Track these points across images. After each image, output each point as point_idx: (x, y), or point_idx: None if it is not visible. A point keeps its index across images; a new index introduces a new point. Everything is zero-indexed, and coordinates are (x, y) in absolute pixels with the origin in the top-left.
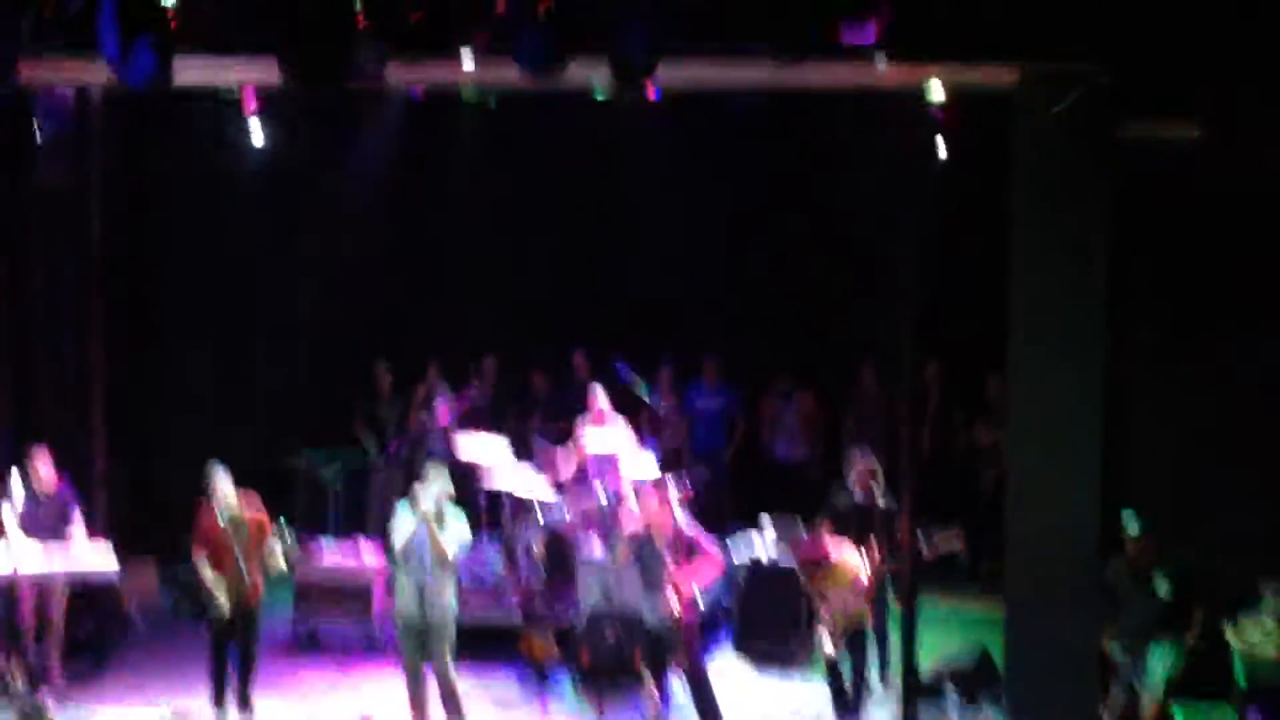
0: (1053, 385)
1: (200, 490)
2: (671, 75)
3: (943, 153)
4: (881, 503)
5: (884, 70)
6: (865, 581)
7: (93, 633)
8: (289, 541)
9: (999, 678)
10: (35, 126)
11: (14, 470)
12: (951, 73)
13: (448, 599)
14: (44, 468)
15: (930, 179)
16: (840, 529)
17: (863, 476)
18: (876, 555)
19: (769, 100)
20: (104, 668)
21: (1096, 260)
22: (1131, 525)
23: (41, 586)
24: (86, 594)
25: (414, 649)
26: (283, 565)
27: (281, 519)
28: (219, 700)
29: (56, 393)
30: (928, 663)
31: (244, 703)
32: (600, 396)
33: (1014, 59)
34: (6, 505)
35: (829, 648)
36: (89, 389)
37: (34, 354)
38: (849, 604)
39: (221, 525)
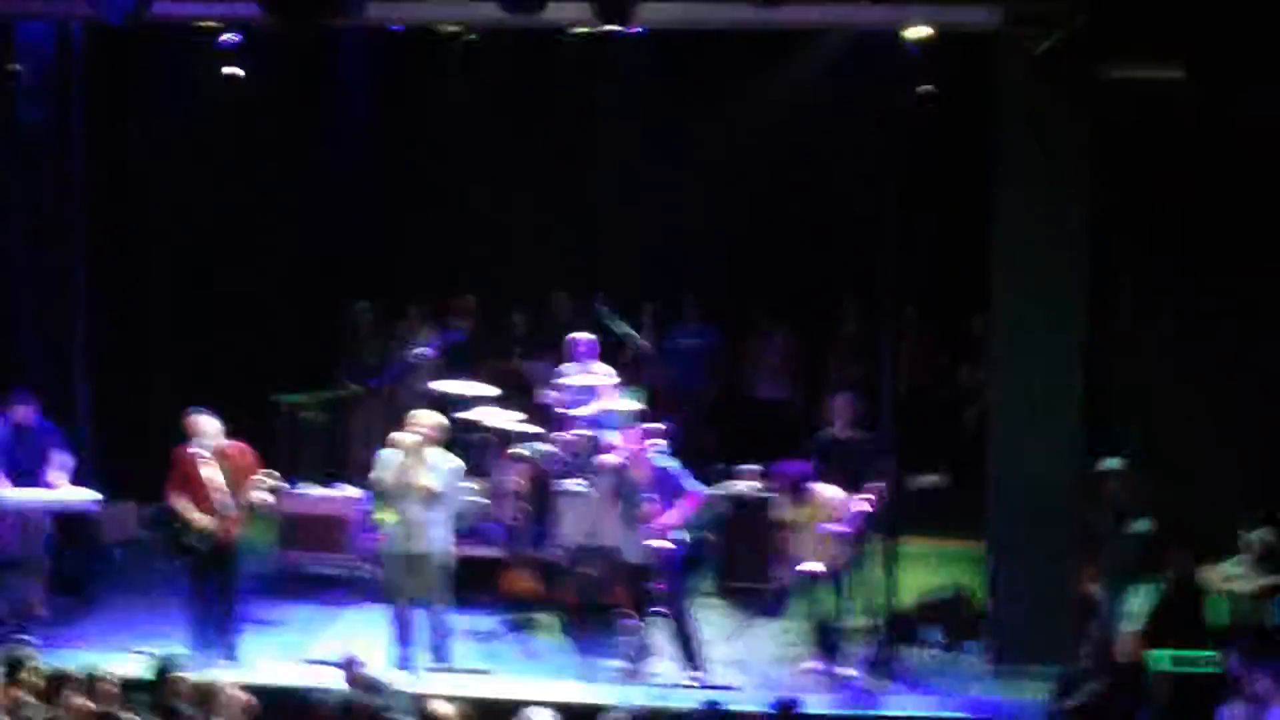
0: (1034, 324)
1: (179, 432)
2: (653, 12)
3: (925, 90)
4: (863, 441)
5: (865, 9)
6: (843, 519)
7: (76, 567)
8: (274, 478)
9: (979, 616)
10: (14, 62)
11: None
12: (933, 12)
13: (436, 535)
14: (25, 406)
15: (909, 118)
16: (822, 467)
17: (844, 414)
18: (861, 497)
19: (750, 38)
20: (88, 604)
21: (1079, 200)
22: (1111, 466)
23: (23, 520)
24: (68, 529)
25: (401, 587)
26: (267, 498)
27: (270, 466)
28: (203, 641)
29: (39, 332)
30: (908, 601)
31: (226, 643)
32: (581, 335)
33: None
34: None
35: (809, 568)
36: (71, 329)
37: (16, 293)
38: (827, 539)
39: (201, 460)
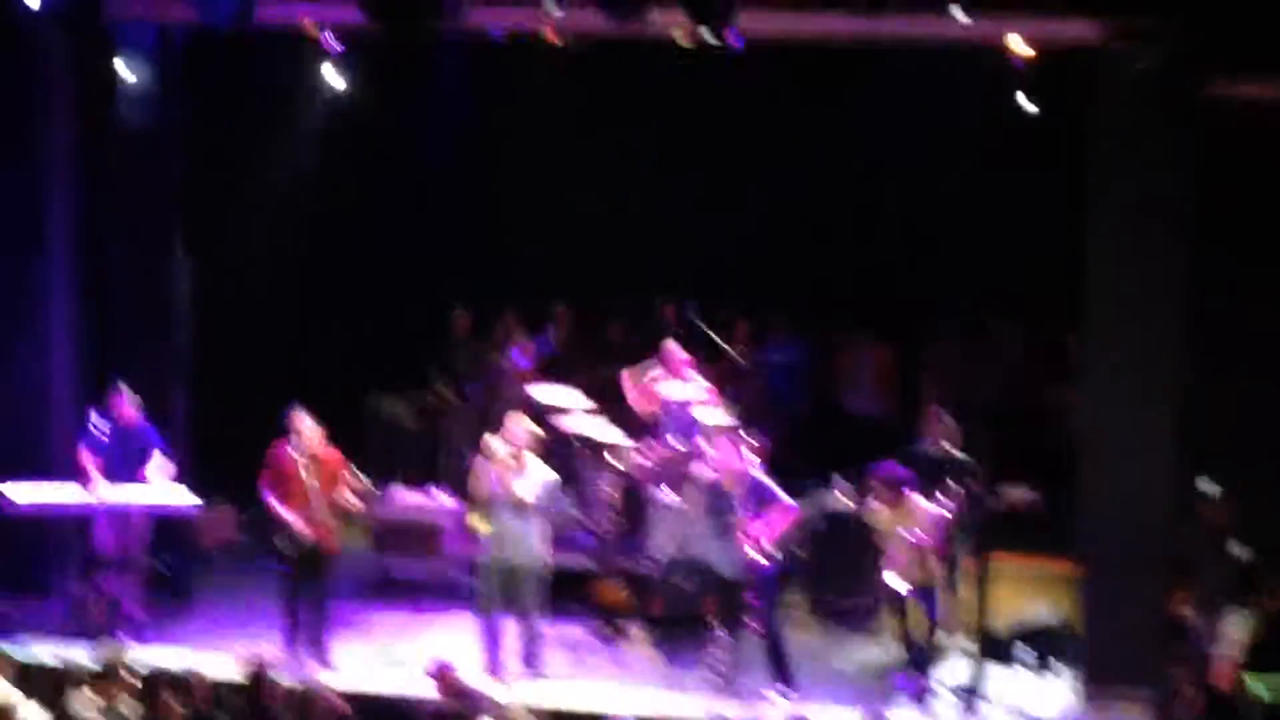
0: (1130, 343)
1: (276, 433)
2: (753, 25)
3: (1027, 107)
4: (956, 457)
5: (965, 23)
6: (934, 532)
7: (172, 567)
8: (364, 483)
9: (1073, 638)
10: (118, 67)
11: (95, 410)
12: (1032, 27)
13: (531, 545)
14: (125, 406)
15: (1008, 134)
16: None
17: (937, 431)
18: (950, 509)
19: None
20: (184, 604)
21: (1177, 217)
22: (1208, 487)
23: (122, 520)
24: (166, 529)
25: (494, 594)
26: (357, 504)
27: (364, 471)
28: (293, 643)
29: (138, 336)
30: (1000, 621)
31: (318, 646)
32: (676, 348)
33: (1097, 14)
34: (89, 452)
35: (899, 584)
36: (170, 333)
37: (116, 296)
38: (918, 551)
39: (297, 464)
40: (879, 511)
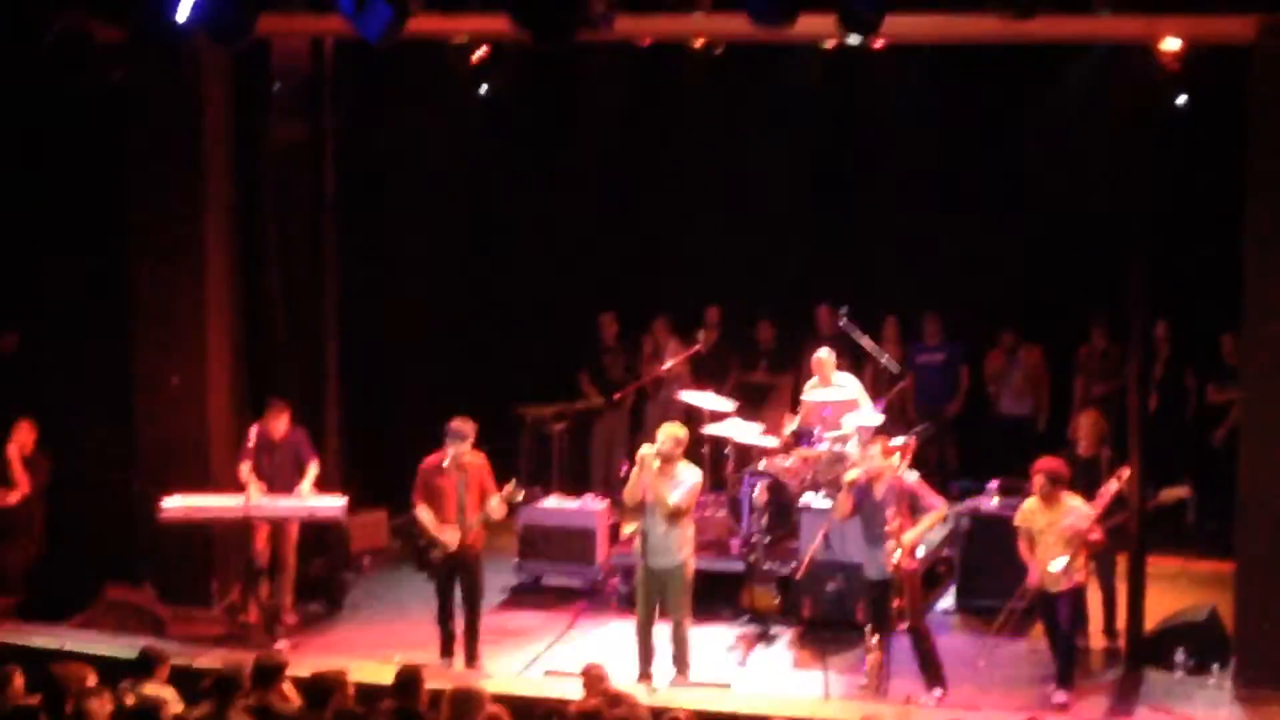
0: None
1: (428, 442)
2: (899, 27)
3: (1180, 102)
4: (1108, 459)
5: (1115, 20)
6: (1085, 533)
7: (325, 573)
8: (514, 488)
9: (1228, 639)
10: (272, 79)
11: (253, 425)
12: (1186, 24)
13: (679, 550)
14: (279, 419)
15: (1162, 131)
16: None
17: (1089, 432)
18: (1100, 508)
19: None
20: (336, 610)
21: None
22: None
23: (274, 526)
24: (318, 536)
25: (645, 598)
26: (502, 512)
27: (514, 479)
28: (447, 650)
29: (292, 347)
30: (1155, 623)
31: (471, 652)
32: (825, 351)
33: (1251, 9)
34: (246, 462)
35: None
36: (323, 339)
37: (270, 309)
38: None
39: (445, 471)
40: (1033, 509)
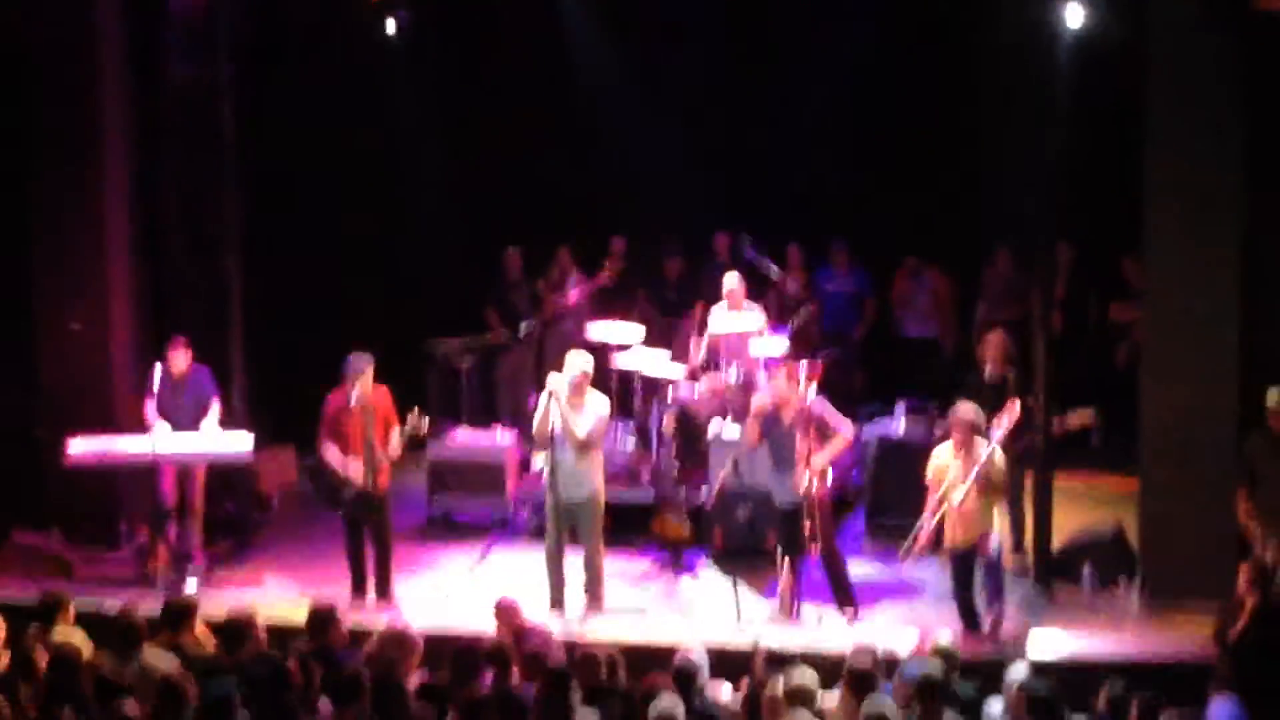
0: (1190, 261)
1: (332, 379)
2: None
3: (1075, 24)
4: (1012, 377)
5: None
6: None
7: (233, 513)
8: (423, 422)
9: (1134, 555)
10: (165, 20)
11: (153, 363)
12: None
13: (589, 480)
14: (181, 357)
15: (1062, 54)
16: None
17: (995, 354)
18: (1000, 437)
19: None
20: (245, 550)
21: (1233, 134)
22: (1273, 398)
23: (181, 468)
24: (225, 476)
25: (555, 529)
26: (398, 449)
27: (416, 408)
28: (359, 587)
29: (192, 282)
30: (1061, 540)
31: (383, 588)
32: (734, 279)
33: None
34: (150, 401)
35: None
36: (224, 277)
37: (171, 247)
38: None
39: (350, 409)
40: (947, 460)
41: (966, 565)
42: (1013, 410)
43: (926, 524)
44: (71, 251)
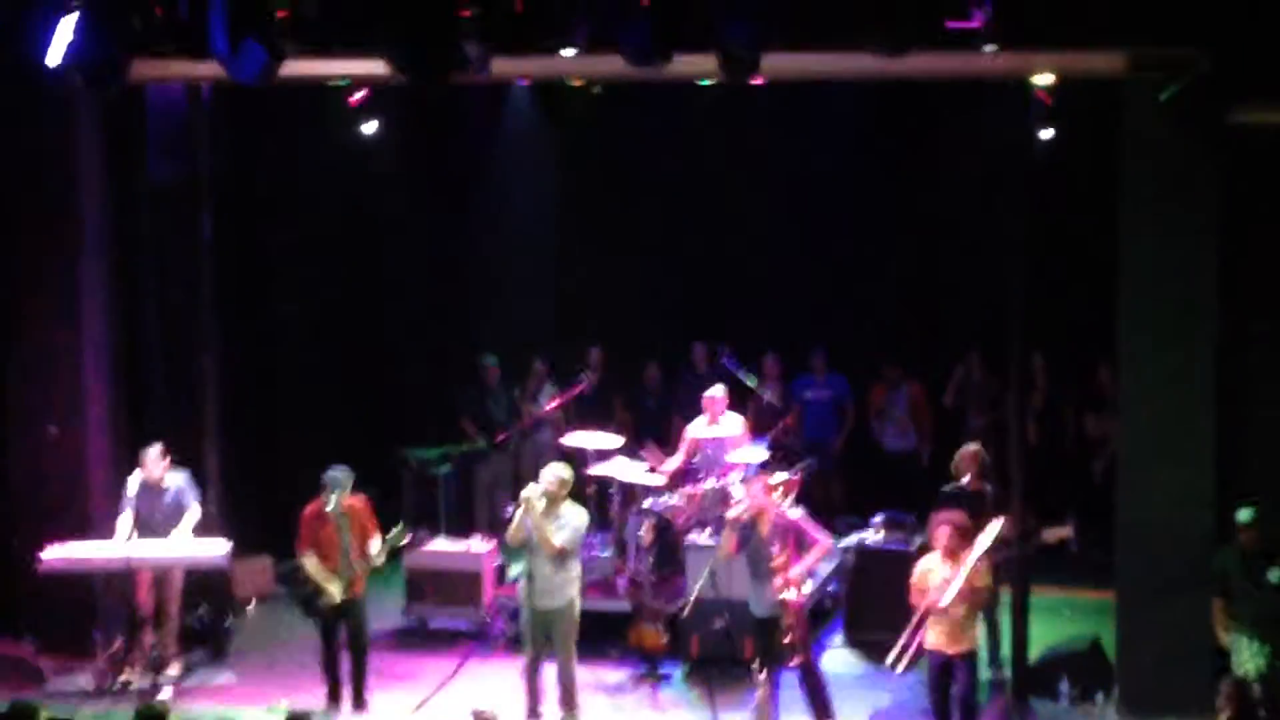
0: (1164, 374)
1: (311, 487)
2: (777, 65)
3: (1047, 136)
4: (989, 489)
5: (991, 57)
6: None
7: (208, 621)
8: (401, 531)
9: (1111, 668)
10: (145, 123)
11: (129, 470)
12: (1058, 59)
13: (565, 590)
14: (157, 463)
15: (1035, 165)
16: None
17: (971, 466)
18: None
19: (873, 88)
20: (221, 658)
21: (1207, 247)
22: (1244, 514)
23: (157, 574)
24: (200, 583)
25: (533, 639)
26: (383, 556)
27: (401, 523)
28: (334, 696)
29: (168, 388)
30: (1039, 653)
31: (358, 697)
32: (718, 389)
33: (1121, 44)
34: (125, 510)
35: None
36: (202, 388)
37: (148, 353)
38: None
39: (328, 517)
40: (933, 564)
41: (947, 672)
42: (996, 523)
43: (914, 632)
44: (47, 355)
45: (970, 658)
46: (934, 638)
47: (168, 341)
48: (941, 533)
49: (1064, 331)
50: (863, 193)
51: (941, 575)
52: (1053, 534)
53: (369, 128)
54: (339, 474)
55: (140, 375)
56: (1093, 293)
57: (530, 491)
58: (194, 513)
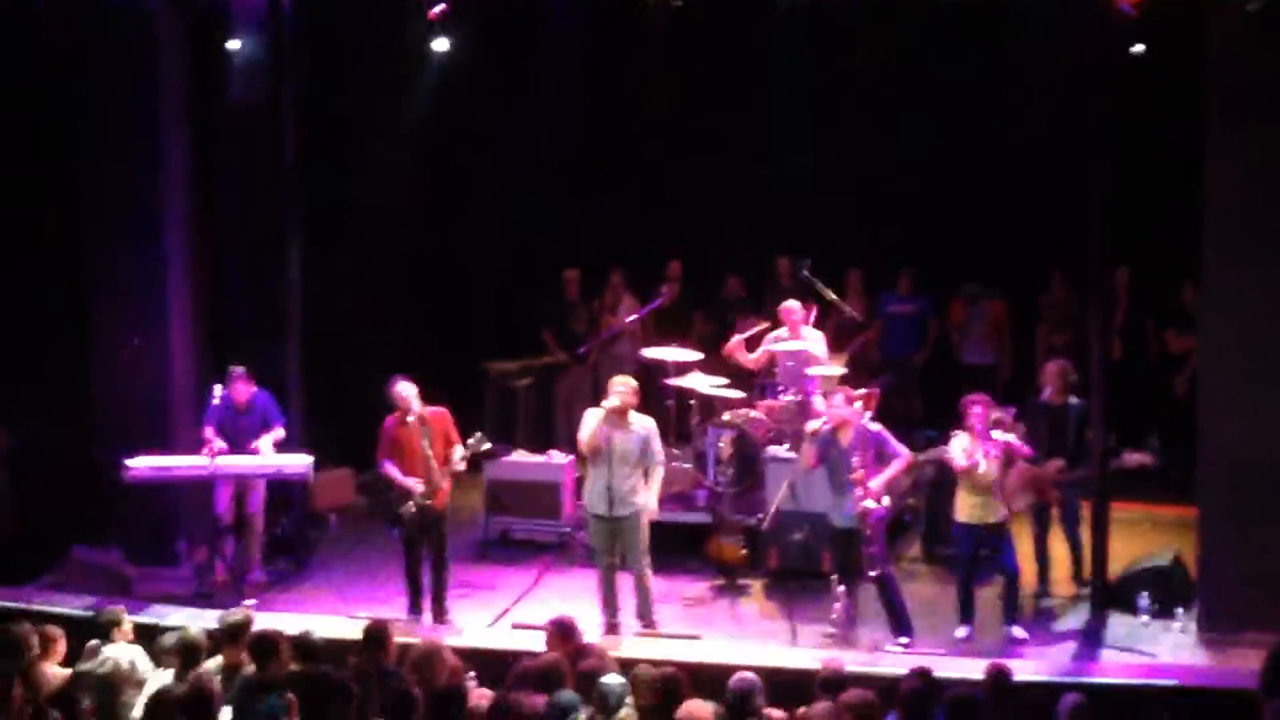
0: (1249, 290)
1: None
2: None
3: (1137, 50)
4: (1073, 407)
5: None
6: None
7: (291, 532)
8: (480, 439)
9: (1191, 584)
10: (230, 40)
11: (212, 387)
12: None
13: (638, 499)
14: (242, 388)
15: (1124, 81)
16: (1032, 432)
17: (1055, 381)
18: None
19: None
20: (304, 569)
21: None
22: None
23: (239, 486)
24: (283, 495)
25: (606, 549)
26: (463, 463)
27: (479, 432)
28: (415, 606)
29: (253, 303)
30: (1119, 568)
31: (439, 607)
32: (794, 303)
33: None
34: (210, 424)
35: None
36: (285, 299)
37: (231, 270)
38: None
39: (410, 425)
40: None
41: (981, 543)
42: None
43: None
44: (130, 273)
45: (1003, 529)
46: (967, 510)
47: (250, 255)
48: (974, 412)
49: (1149, 246)
50: (946, 109)
51: (961, 446)
52: (1133, 459)
53: (443, 44)
54: (399, 386)
55: (224, 291)
56: (1179, 208)
57: (602, 402)
58: (277, 432)
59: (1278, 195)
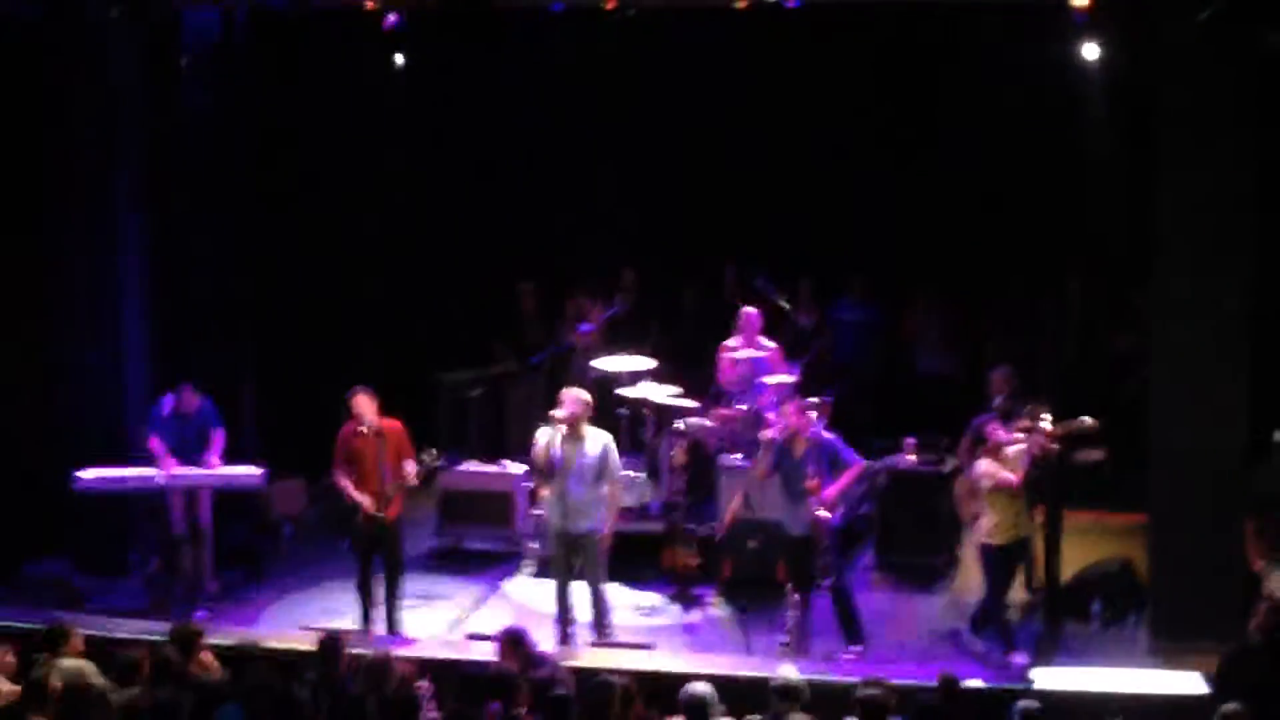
0: (1197, 292)
1: (345, 410)
2: None
3: (1089, 56)
4: (1021, 410)
5: None
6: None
7: (243, 543)
8: (434, 455)
9: (1143, 590)
10: (182, 52)
11: (161, 398)
12: None
13: (593, 511)
14: (189, 393)
15: (1071, 88)
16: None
17: (1004, 387)
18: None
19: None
20: (256, 579)
21: (1243, 166)
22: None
23: (189, 496)
24: (236, 505)
25: (561, 561)
26: (418, 476)
27: (434, 449)
28: (368, 617)
29: (206, 316)
30: (1070, 574)
31: (392, 618)
32: (750, 312)
33: None
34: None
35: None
36: (238, 311)
37: (184, 276)
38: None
39: (364, 437)
40: (983, 473)
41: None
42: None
43: None
44: (84, 282)
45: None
46: (1004, 529)
47: (204, 267)
48: (991, 429)
49: (1100, 253)
50: (899, 117)
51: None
52: (1086, 455)
53: (397, 57)
54: (358, 394)
55: (177, 299)
56: (1130, 212)
57: (555, 413)
58: (220, 436)
59: (1225, 195)
